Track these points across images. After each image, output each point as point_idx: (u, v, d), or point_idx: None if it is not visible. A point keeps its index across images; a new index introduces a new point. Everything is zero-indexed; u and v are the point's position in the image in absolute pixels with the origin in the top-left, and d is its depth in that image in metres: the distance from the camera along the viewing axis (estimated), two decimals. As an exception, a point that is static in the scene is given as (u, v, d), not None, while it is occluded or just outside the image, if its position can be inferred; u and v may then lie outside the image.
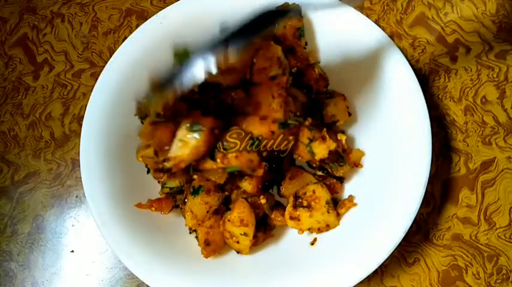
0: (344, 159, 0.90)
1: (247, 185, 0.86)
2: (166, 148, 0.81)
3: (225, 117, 0.83)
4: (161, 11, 0.99)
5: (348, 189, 0.95)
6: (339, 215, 0.90)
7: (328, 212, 0.88)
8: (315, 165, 0.93)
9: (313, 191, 0.89)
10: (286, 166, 0.94)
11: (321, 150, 0.85)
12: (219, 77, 0.82)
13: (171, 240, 0.91)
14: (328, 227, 0.90)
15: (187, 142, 0.80)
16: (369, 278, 0.93)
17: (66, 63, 1.15)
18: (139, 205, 0.90)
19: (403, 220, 0.84)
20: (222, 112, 0.84)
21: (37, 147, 1.09)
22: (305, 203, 0.88)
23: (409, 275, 0.94)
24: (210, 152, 0.82)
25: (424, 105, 0.89)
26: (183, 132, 0.80)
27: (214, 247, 0.88)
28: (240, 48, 0.65)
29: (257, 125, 0.82)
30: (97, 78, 0.95)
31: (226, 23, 0.69)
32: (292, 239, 0.92)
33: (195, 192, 0.87)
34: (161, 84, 0.71)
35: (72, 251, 1.02)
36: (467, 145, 1.01)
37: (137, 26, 1.07)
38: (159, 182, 0.96)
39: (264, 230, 0.91)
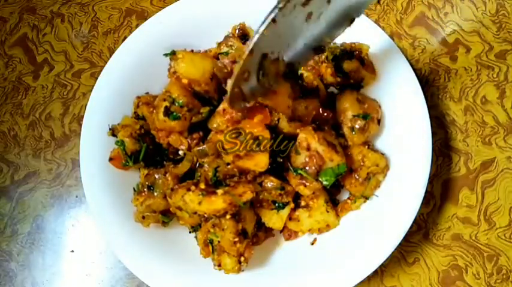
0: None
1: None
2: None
3: None
4: (161, 11, 0.99)
5: (348, 189, 0.95)
6: (338, 215, 0.90)
7: (327, 211, 0.88)
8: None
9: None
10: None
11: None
12: None
13: (171, 240, 0.91)
14: (328, 227, 0.89)
15: None
16: (368, 278, 0.93)
17: (66, 63, 1.14)
18: (139, 205, 0.90)
19: (403, 220, 0.85)
20: None
21: (37, 147, 1.09)
22: (303, 203, 0.88)
23: (409, 275, 0.94)
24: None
25: (424, 105, 0.89)
26: None
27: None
28: None
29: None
30: (97, 78, 0.96)
31: None
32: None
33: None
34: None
35: (72, 251, 1.02)
36: (467, 145, 1.00)
37: (137, 26, 1.07)
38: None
39: (265, 230, 0.91)
